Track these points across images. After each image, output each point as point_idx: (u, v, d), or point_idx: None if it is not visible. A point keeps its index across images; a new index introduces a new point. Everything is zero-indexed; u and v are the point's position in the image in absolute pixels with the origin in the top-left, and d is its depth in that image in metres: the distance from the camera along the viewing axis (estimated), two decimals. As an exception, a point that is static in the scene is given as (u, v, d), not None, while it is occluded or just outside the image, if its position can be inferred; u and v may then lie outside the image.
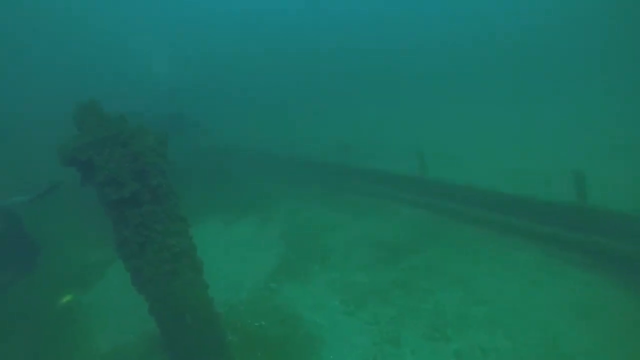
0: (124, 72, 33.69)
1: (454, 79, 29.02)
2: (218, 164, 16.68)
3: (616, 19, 27.14)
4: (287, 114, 27.44)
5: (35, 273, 9.59)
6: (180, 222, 5.40)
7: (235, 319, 6.85)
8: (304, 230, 10.21)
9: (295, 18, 50.39)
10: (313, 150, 15.75)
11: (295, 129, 22.39)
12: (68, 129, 5.10)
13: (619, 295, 6.09)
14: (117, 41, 36.94)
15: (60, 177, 9.43)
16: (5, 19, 33.35)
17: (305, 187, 13.52)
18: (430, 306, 6.47)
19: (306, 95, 32.12)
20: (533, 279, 6.77)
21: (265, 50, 43.54)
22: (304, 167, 14.25)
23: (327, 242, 9.35)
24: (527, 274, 6.91)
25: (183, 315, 5.19)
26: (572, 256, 7.15)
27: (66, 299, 8.72)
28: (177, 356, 5.54)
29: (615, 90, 18.87)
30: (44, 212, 11.68)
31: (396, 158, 14.59)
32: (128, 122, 5.01)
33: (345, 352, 5.75)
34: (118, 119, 4.94)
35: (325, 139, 18.52)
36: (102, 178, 4.69)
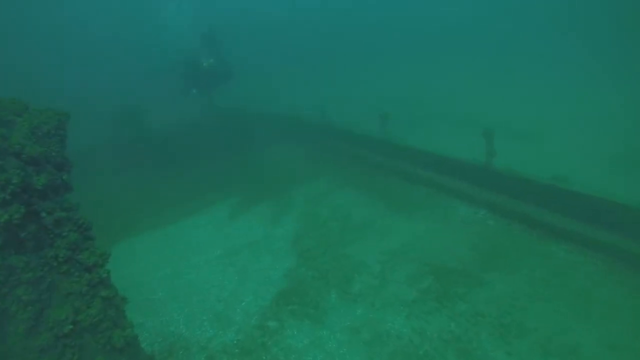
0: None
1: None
2: (240, 129, 14.43)
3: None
4: (319, 75, 24.76)
5: None
6: (85, 274, 3.10)
7: (209, 382, 4.69)
8: (324, 229, 7.81)
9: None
10: (346, 116, 13.11)
11: (327, 91, 19.70)
12: None
13: None
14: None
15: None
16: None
17: (334, 162, 11.06)
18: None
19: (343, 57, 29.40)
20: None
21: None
22: (336, 139, 11.69)
23: (354, 253, 6.91)
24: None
25: None
26: None
27: None
28: None
29: None
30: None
31: (446, 131, 11.81)
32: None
33: None
34: None
35: (362, 104, 15.86)
36: None
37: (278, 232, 7.96)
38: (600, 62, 17.40)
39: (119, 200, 10.35)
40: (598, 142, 9.63)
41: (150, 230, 8.66)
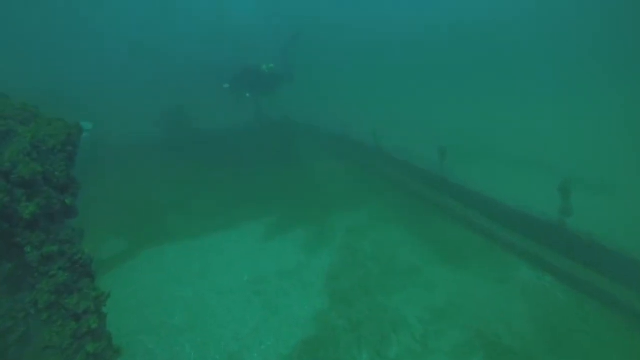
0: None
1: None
2: (287, 141, 14.03)
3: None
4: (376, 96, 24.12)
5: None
6: (71, 323, 2.55)
7: None
8: (364, 270, 7.03)
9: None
10: (398, 139, 12.37)
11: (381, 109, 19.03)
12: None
13: None
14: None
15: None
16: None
17: (382, 191, 10.29)
18: None
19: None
20: None
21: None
22: (387, 166, 10.94)
23: (394, 305, 6.08)
24: None
25: None
26: None
27: None
28: None
29: None
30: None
31: (507, 172, 10.73)
32: None
33: None
34: None
35: (416, 128, 15.06)
36: None
37: (313, 265, 7.27)
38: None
39: (155, 201, 10.16)
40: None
41: (180, 240, 8.27)
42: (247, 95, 14.67)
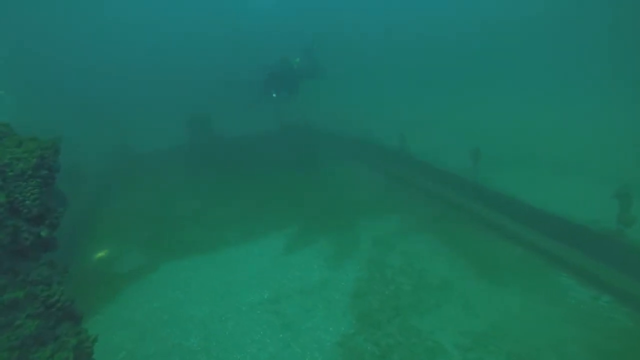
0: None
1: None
2: (308, 148, 13.60)
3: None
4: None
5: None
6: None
7: None
8: (393, 286, 6.46)
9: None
10: (425, 143, 11.76)
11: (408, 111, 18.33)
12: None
13: None
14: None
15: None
16: None
17: (410, 198, 9.71)
18: None
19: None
20: None
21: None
22: (414, 171, 10.33)
23: (428, 327, 5.50)
24: None
25: None
26: None
27: (100, 254, 8.06)
28: None
29: None
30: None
31: (548, 179, 9.87)
32: None
33: None
34: None
35: (445, 132, 14.35)
36: None
37: (337, 280, 6.75)
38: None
39: (176, 210, 9.95)
40: None
41: (199, 253, 7.95)
42: (274, 95, 14.08)
